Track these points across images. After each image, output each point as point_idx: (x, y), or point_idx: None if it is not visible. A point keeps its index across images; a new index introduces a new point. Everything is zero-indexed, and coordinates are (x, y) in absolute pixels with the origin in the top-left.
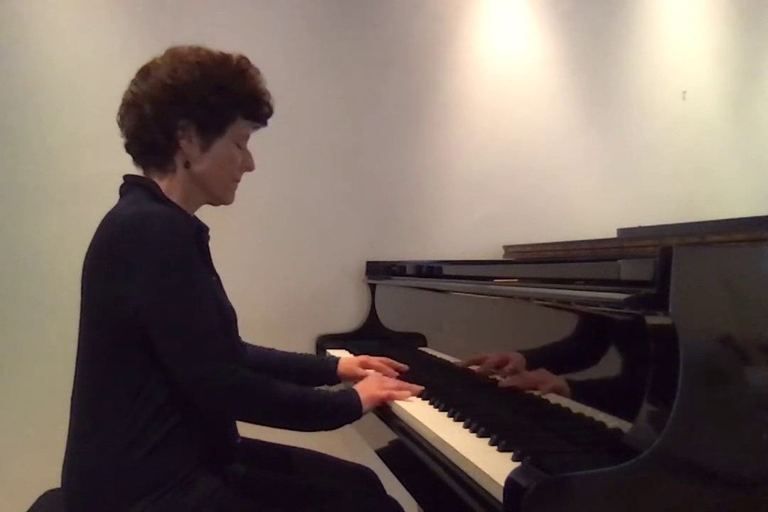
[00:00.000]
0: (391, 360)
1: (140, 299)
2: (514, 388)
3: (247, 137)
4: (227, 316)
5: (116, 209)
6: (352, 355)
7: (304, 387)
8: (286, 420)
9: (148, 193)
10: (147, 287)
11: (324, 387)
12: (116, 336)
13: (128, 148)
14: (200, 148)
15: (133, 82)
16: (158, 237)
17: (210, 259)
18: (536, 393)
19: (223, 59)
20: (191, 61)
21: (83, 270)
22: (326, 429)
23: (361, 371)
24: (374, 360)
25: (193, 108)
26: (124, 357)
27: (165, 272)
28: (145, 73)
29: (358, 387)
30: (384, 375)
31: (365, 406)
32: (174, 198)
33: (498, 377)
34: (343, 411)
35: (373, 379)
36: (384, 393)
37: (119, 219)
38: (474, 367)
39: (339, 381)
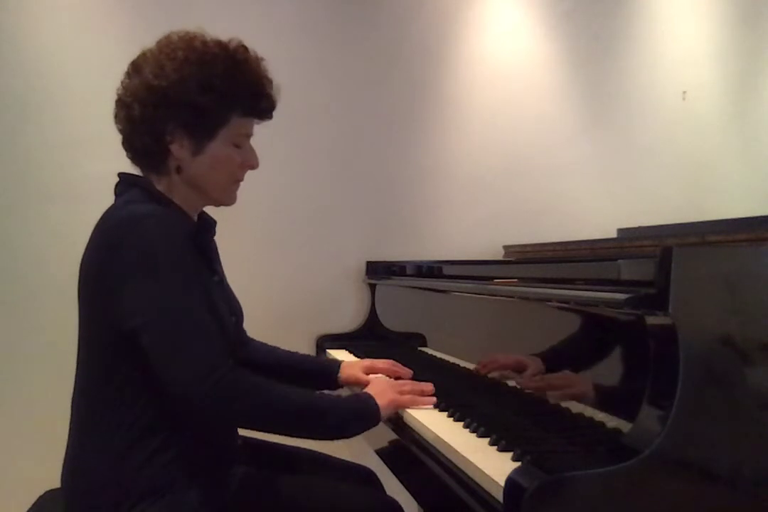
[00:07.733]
0: (396, 363)
1: (131, 304)
2: (537, 391)
3: (247, 135)
4: (221, 319)
5: (109, 211)
6: (352, 356)
7: (312, 391)
8: (291, 426)
9: (143, 193)
10: (138, 292)
11: (326, 392)
12: (113, 339)
13: (124, 148)
14: (192, 153)
15: (125, 77)
16: (149, 240)
17: (215, 257)
18: (537, 394)
19: (218, 51)
20: (179, 57)
21: (80, 272)
22: (339, 438)
23: (364, 377)
24: (380, 362)
25: (180, 111)
26: (124, 359)
27: (155, 276)
28: (135, 67)
29: (373, 391)
30: (395, 377)
31: (384, 412)
32: (175, 199)
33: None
34: (357, 417)
35: (387, 383)
36: (406, 398)
37: (111, 221)
38: (485, 370)
39: (340, 386)
